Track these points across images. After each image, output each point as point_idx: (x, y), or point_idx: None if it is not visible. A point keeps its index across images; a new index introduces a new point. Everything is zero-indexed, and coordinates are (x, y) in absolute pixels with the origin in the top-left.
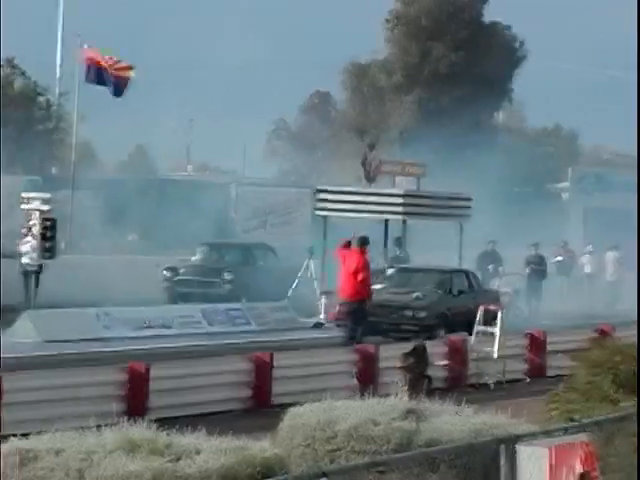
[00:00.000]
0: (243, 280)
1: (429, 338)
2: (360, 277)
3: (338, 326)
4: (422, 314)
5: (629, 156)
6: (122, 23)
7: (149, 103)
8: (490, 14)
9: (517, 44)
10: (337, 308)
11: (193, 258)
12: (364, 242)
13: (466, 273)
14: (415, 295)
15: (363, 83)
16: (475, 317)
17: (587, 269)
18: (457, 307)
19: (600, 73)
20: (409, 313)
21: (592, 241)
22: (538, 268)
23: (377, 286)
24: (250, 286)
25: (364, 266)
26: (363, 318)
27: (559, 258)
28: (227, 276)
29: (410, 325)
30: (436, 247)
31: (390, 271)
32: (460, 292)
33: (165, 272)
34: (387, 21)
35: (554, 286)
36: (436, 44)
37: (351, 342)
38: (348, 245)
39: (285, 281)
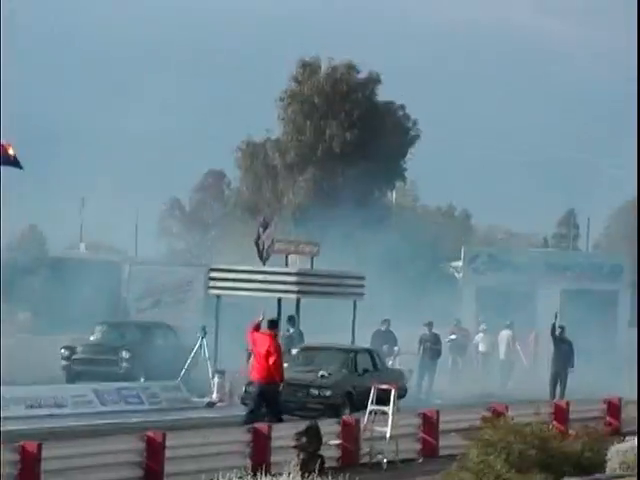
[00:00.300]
0: (142, 359)
1: (335, 416)
2: (272, 360)
3: (244, 404)
4: (327, 392)
5: (521, 235)
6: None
7: (41, 182)
8: (384, 94)
9: (410, 124)
10: (244, 388)
11: (91, 337)
12: (274, 325)
13: (370, 352)
14: (320, 374)
15: (257, 162)
16: (381, 396)
17: (481, 348)
18: (362, 386)
19: (493, 155)
20: (315, 392)
21: (485, 320)
22: (433, 347)
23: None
24: (149, 365)
25: (275, 349)
26: (275, 400)
27: (452, 337)
28: (125, 355)
29: (316, 403)
30: (330, 326)
31: (295, 350)
32: (365, 370)
33: (63, 351)
34: (280, 99)
35: (448, 365)
36: (330, 123)
37: (253, 421)
38: (258, 327)
39: (183, 360)
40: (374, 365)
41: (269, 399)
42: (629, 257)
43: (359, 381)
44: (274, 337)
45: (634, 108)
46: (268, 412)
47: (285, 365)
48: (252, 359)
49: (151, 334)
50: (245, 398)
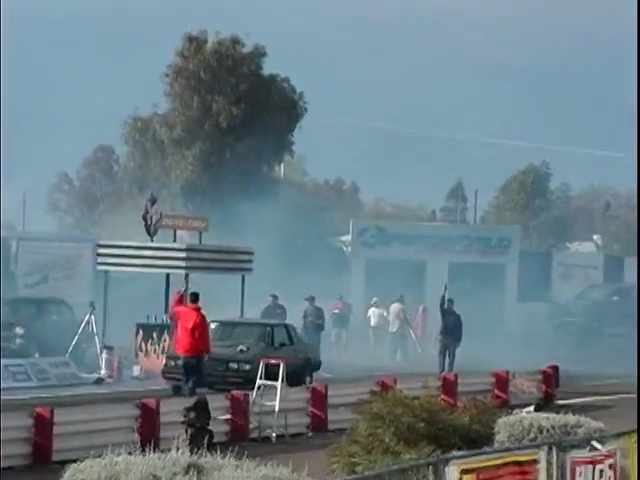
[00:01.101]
0: (36, 335)
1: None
2: (197, 333)
3: (166, 379)
4: (247, 367)
5: (410, 209)
6: None
7: None
8: (269, 67)
9: (296, 97)
10: (164, 362)
11: None
12: (196, 298)
13: (286, 326)
14: (239, 348)
15: (144, 137)
16: (297, 369)
17: (372, 322)
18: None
19: (381, 127)
20: (234, 366)
21: (375, 293)
22: (315, 321)
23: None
24: (43, 341)
25: (201, 322)
26: (200, 372)
27: (335, 310)
28: (19, 331)
29: (235, 377)
30: (219, 301)
31: (213, 325)
32: (282, 344)
33: None
34: (166, 75)
35: (331, 339)
36: (216, 97)
37: (189, 393)
38: (181, 301)
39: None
40: (290, 339)
41: (193, 371)
42: (516, 230)
43: (276, 354)
44: (198, 310)
45: (634, 102)
46: (192, 383)
47: None
48: (176, 333)
49: (46, 310)
50: (165, 372)
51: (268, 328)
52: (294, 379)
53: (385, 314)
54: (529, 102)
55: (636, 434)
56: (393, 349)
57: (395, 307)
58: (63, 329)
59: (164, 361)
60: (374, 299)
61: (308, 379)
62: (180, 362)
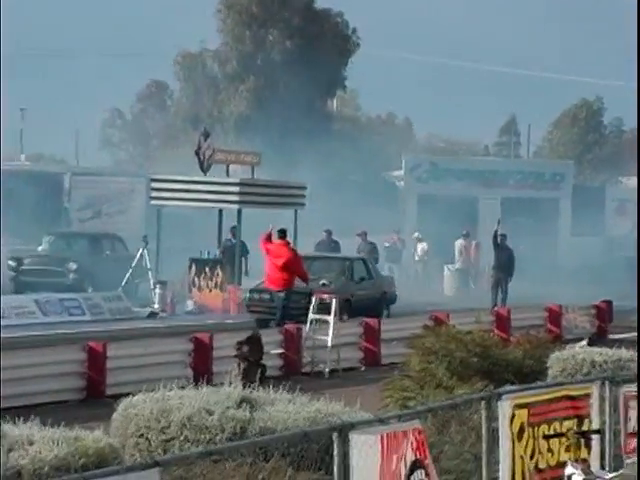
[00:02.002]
0: (89, 270)
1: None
2: (290, 265)
3: (250, 312)
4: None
5: (463, 144)
6: None
7: None
8: (322, 0)
9: (350, 31)
10: (248, 295)
11: (39, 248)
12: (285, 234)
13: (364, 261)
14: (322, 282)
15: (196, 73)
16: (375, 302)
17: (417, 256)
18: (359, 293)
19: (434, 62)
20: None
21: (424, 228)
22: (368, 256)
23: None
24: (97, 276)
25: (293, 257)
26: (288, 305)
27: (386, 244)
28: (72, 266)
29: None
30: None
31: None
32: (361, 279)
33: (10, 262)
34: (219, 11)
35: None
36: (269, 32)
37: (277, 323)
38: (270, 238)
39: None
40: (368, 273)
41: (282, 304)
42: (570, 165)
43: (356, 288)
44: (287, 245)
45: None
46: (280, 316)
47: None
48: (266, 268)
49: (99, 245)
50: (250, 305)
51: (348, 262)
52: (372, 311)
53: (427, 249)
54: (582, 37)
55: None
56: (456, 284)
57: (459, 242)
58: (116, 264)
59: (248, 295)
60: (415, 234)
61: (385, 312)
62: (265, 296)
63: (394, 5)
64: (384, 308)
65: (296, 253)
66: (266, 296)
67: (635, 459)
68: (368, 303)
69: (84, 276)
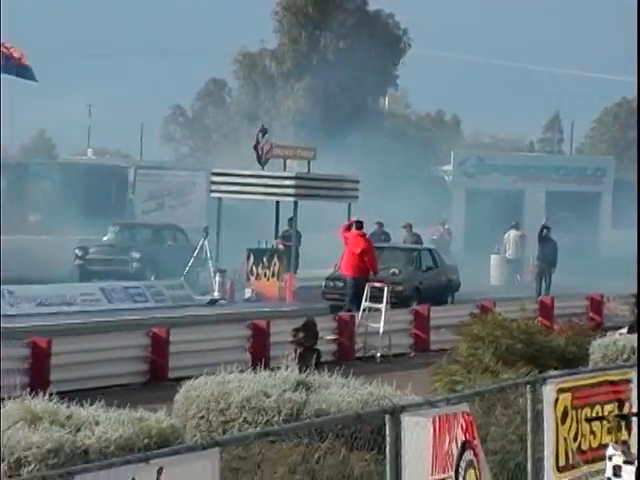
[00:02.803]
0: (152, 259)
1: (406, 307)
2: (365, 255)
3: (326, 299)
4: (400, 287)
5: (508, 140)
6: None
7: (50, 89)
8: (374, 2)
9: (400, 32)
10: (324, 283)
11: (104, 238)
12: (362, 225)
13: (430, 251)
14: (392, 271)
15: (254, 72)
16: (441, 290)
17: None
18: (427, 281)
19: (481, 62)
20: None
21: (476, 220)
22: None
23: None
24: (159, 265)
25: (369, 247)
26: (358, 289)
27: (434, 237)
28: (135, 255)
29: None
30: (326, 227)
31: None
32: (428, 268)
33: (77, 251)
34: (275, 13)
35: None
36: (323, 33)
37: (350, 309)
38: (349, 227)
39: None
40: (434, 262)
41: (357, 290)
42: (611, 160)
43: (424, 277)
44: (364, 236)
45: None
46: (356, 301)
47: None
48: (344, 256)
49: (161, 235)
50: (326, 293)
51: (415, 253)
52: (438, 299)
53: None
54: (622, 36)
55: None
56: (511, 274)
57: (512, 234)
58: (177, 253)
59: (324, 282)
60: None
61: (450, 298)
62: (340, 283)
63: (443, 7)
64: (449, 294)
65: (371, 244)
66: (340, 284)
67: None
68: (435, 291)
69: (147, 265)
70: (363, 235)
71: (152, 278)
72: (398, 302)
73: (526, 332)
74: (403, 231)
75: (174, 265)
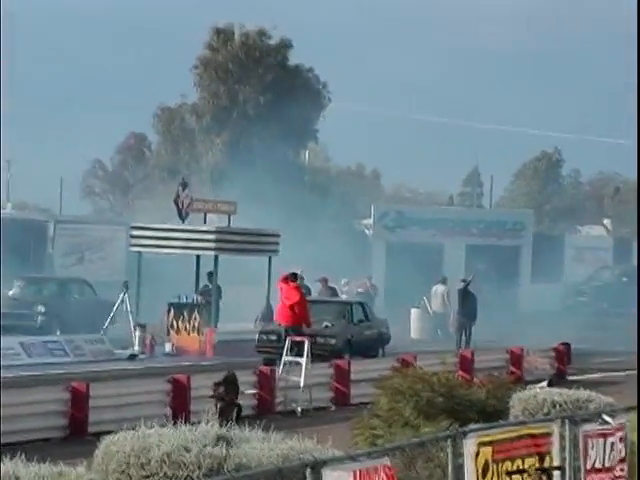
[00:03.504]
0: (58, 313)
1: (338, 359)
2: (296, 307)
3: (259, 352)
4: (332, 341)
5: (428, 194)
6: None
7: None
8: (294, 58)
9: (320, 86)
10: (257, 336)
11: (10, 292)
12: (295, 277)
13: (362, 304)
14: (325, 324)
15: (173, 126)
16: (372, 343)
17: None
18: (358, 334)
19: (400, 116)
20: (321, 340)
21: (397, 275)
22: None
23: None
24: (65, 319)
25: (300, 300)
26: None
27: (360, 290)
28: (40, 309)
29: (322, 350)
30: (246, 281)
31: None
32: (360, 321)
33: None
34: (195, 67)
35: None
36: (243, 88)
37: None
38: (286, 279)
39: (101, 314)
40: (365, 316)
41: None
42: (530, 214)
43: (356, 330)
44: (298, 288)
45: (634, 100)
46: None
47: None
48: (278, 306)
49: (67, 289)
50: (259, 346)
51: (347, 306)
52: (370, 351)
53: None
54: (541, 91)
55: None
56: (435, 328)
57: (439, 288)
58: (84, 307)
59: (257, 336)
60: (344, 280)
61: (380, 351)
62: (273, 337)
63: (363, 61)
64: (380, 347)
65: (303, 297)
66: (273, 337)
67: None
68: (366, 344)
69: (52, 319)
70: (297, 287)
71: (58, 332)
72: (330, 354)
73: (447, 385)
74: (319, 285)
75: (80, 319)
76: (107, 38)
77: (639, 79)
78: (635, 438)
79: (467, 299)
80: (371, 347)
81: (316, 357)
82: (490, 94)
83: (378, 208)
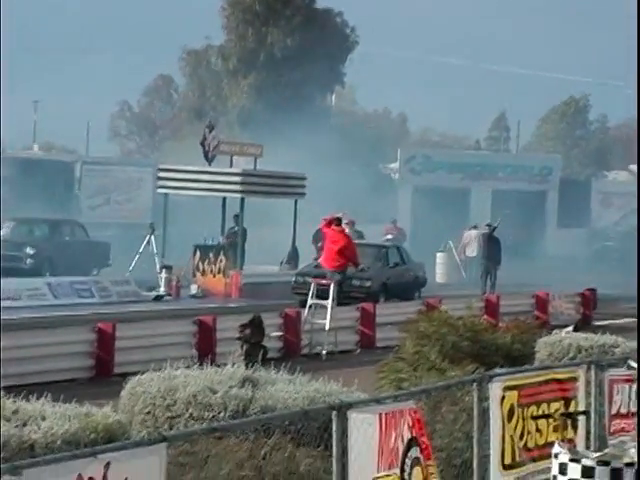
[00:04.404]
0: (48, 255)
1: (374, 302)
2: (345, 250)
3: (296, 294)
4: (368, 283)
5: (455, 138)
6: None
7: None
8: (322, 1)
9: (348, 30)
10: (294, 278)
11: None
12: (340, 222)
13: (398, 248)
14: (360, 267)
15: (200, 68)
16: (408, 286)
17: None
18: (393, 277)
19: (427, 60)
20: (357, 282)
21: (422, 218)
22: None
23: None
24: (56, 261)
25: (347, 242)
26: (341, 284)
27: (388, 236)
28: (29, 251)
29: (358, 293)
30: (271, 224)
31: None
32: (395, 264)
33: None
34: (223, 9)
35: None
36: (271, 30)
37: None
38: (329, 224)
39: (93, 256)
40: (402, 259)
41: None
42: (557, 159)
43: (391, 273)
44: (343, 232)
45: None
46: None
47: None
48: (324, 251)
49: (58, 230)
50: (295, 288)
51: (383, 249)
52: (406, 294)
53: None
54: (570, 36)
55: None
56: (460, 272)
57: (472, 233)
58: (76, 249)
59: (293, 278)
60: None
61: (417, 294)
62: (309, 279)
63: (391, 4)
64: (416, 290)
65: (350, 239)
66: (309, 279)
67: (619, 440)
68: (402, 287)
69: (42, 261)
70: (342, 231)
71: (48, 275)
72: (366, 297)
73: (472, 330)
74: (389, 226)
75: (72, 261)
76: None
77: None
78: None
79: (492, 244)
80: (407, 290)
81: (352, 300)
82: (519, 38)
83: (405, 152)
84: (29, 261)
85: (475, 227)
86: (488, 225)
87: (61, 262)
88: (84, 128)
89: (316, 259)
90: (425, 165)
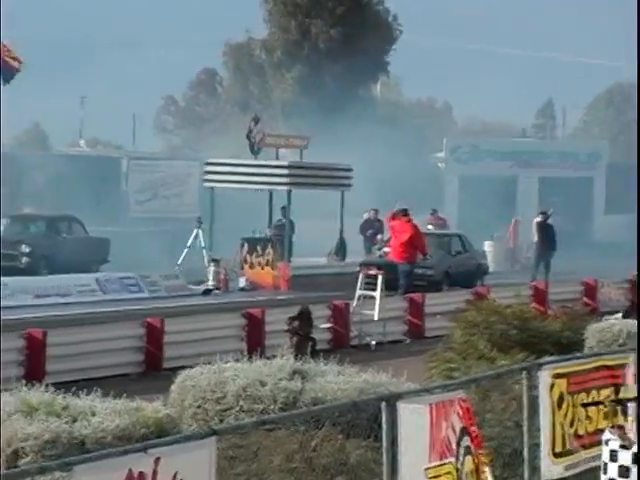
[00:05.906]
0: (44, 253)
1: (436, 291)
2: (413, 240)
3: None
4: (430, 272)
5: (501, 126)
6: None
7: (44, 82)
8: None
9: (391, 19)
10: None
11: None
12: (406, 212)
13: (460, 236)
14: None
15: (243, 62)
16: (470, 274)
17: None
18: (456, 265)
19: (472, 48)
20: (419, 271)
21: (469, 207)
22: None
23: (387, 249)
24: (53, 259)
25: (415, 232)
26: (410, 275)
27: (429, 227)
28: (25, 249)
29: (421, 281)
30: (318, 216)
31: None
32: (457, 253)
33: None
34: (265, 1)
35: None
36: (314, 21)
37: (402, 293)
38: (394, 216)
39: (92, 253)
40: (464, 247)
41: (405, 275)
42: (604, 145)
43: (453, 261)
44: (410, 222)
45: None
46: (404, 286)
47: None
48: (391, 243)
49: (56, 227)
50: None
51: (446, 238)
52: (468, 282)
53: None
54: (616, 23)
55: None
56: (509, 261)
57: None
58: (74, 246)
59: (358, 268)
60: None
61: (479, 282)
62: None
63: None
64: (478, 278)
65: (418, 229)
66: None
67: None
68: (464, 275)
69: (39, 259)
70: (409, 221)
71: (44, 272)
72: (429, 286)
73: (521, 318)
74: (429, 217)
75: (70, 258)
76: None
77: None
78: None
79: (547, 231)
80: (469, 278)
81: (415, 288)
82: (564, 25)
83: (451, 141)
84: (25, 260)
85: (542, 213)
86: (542, 213)
87: (59, 260)
88: (130, 123)
89: (378, 248)
90: (472, 154)
